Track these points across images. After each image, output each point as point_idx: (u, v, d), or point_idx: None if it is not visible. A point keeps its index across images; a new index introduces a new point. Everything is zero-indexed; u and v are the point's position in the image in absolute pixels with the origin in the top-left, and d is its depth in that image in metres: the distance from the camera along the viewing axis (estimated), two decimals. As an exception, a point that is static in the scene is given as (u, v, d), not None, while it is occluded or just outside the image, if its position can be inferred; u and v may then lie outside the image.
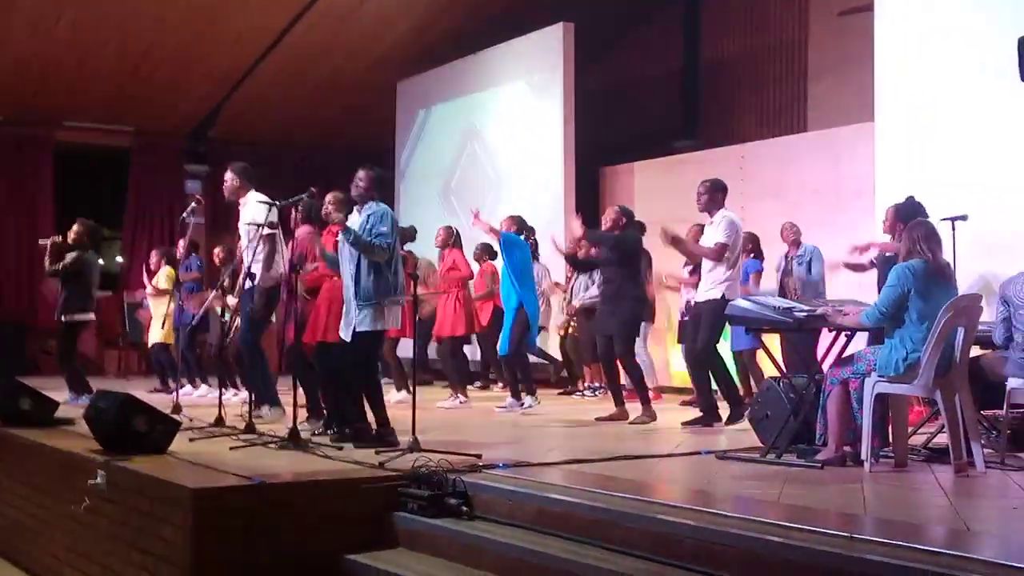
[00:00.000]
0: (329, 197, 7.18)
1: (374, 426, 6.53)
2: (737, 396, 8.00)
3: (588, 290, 10.59)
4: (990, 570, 3.29)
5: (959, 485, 5.20)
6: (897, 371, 5.48)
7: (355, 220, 6.60)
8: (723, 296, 7.59)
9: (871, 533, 3.87)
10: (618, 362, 8.40)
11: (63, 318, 9.54)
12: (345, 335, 6.54)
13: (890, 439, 5.93)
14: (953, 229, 7.46)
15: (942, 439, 5.89)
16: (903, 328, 5.52)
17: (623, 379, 8.70)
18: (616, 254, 8.34)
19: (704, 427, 7.78)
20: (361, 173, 6.62)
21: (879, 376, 5.55)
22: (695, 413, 8.19)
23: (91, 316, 9.73)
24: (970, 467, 5.45)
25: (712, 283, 7.80)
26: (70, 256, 9.58)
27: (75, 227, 9.74)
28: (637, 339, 8.94)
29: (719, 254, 7.77)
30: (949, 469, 5.46)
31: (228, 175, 8.08)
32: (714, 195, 7.90)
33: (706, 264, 7.91)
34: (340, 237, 6.56)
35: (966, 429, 5.52)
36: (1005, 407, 5.86)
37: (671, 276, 10.46)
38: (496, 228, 9.44)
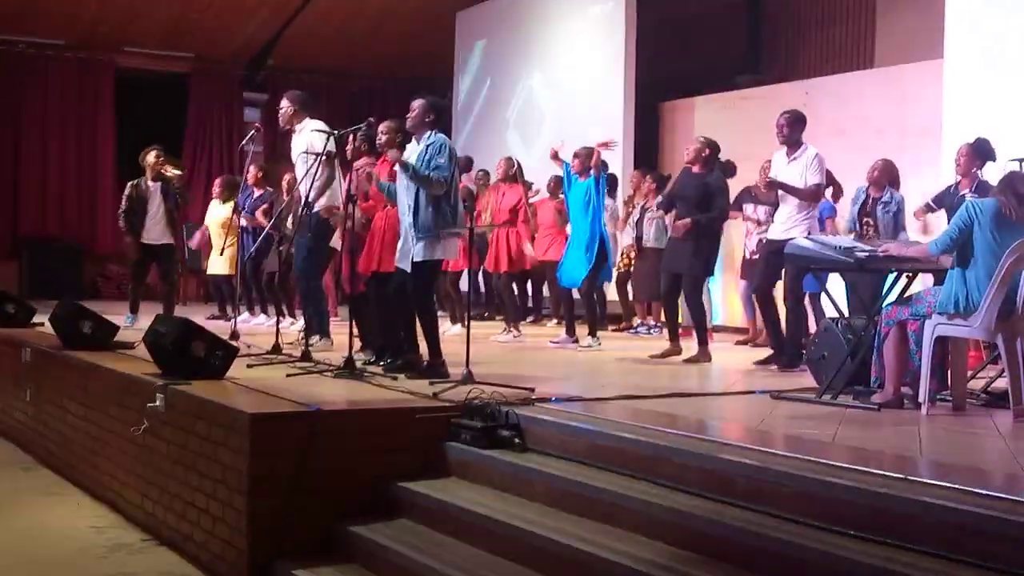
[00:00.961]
0: (382, 127, 7.14)
1: (426, 358, 6.56)
2: (782, 342, 7.79)
3: (652, 228, 10.50)
4: (1049, 516, 3.24)
5: (1018, 430, 5.12)
6: (956, 308, 5.39)
7: (412, 150, 6.57)
8: (808, 235, 7.38)
9: (927, 475, 3.84)
10: (685, 300, 8.28)
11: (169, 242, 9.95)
12: (403, 265, 6.54)
13: (948, 382, 5.85)
14: (1021, 170, 7.28)
15: (1002, 384, 5.80)
16: (968, 267, 5.43)
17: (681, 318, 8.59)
18: (695, 196, 8.08)
19: (774, 367, 7.61)
20: (415, 103, 6.56)
21: (939, 315, 5.46)
22: (751, 353, 8.13)
23: None
24: (1030, 412, 5.37)
25: (794, 221, 7.56)
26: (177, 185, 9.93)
27: (158, 155, 9.89)
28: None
29: (818, 195, 7.64)
30: (1008, 414, 5.38)
31: (283, 103, 8.10)
32: (796, 127, 7.65)
33: (786, 201, 7.68)
34: (398, 169, 6.55)
35: (1028, 374, 5.43)
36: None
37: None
38: (601, 160, 8.99)
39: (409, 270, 6.47)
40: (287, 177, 10.50)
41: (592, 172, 8.89)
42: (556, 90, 13.79)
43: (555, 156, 9.21)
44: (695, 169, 8.16)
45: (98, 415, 6.80)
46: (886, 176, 8.13)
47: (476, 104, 15.45)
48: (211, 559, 5.18)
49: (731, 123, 11.65)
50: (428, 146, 6.43)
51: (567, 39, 13.80)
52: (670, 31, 14.35)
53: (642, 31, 12.86)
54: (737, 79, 13.26)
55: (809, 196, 7.60)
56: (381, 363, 6.89)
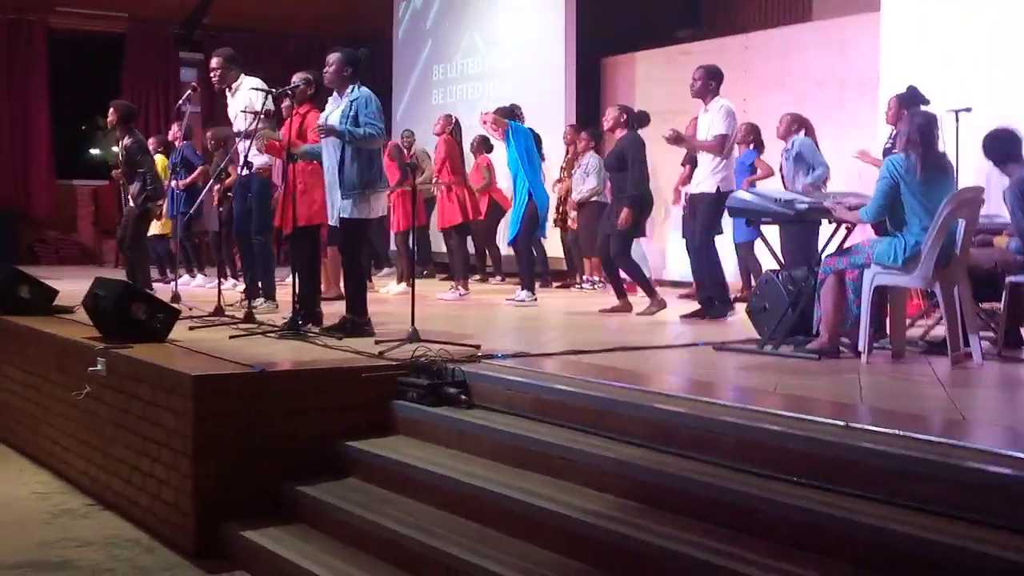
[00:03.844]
0: (295, 80, 7.11)
1: (351, 315, 6.48)
2: (725, 293, 7.91)
3: (585, 183, 10.55)
4: (984, 458, 3.31)
5: (956, 376, 5.21)
6: (896, 262, 5.46)
7: (334, 105, 6.45)
8: (718, 189, 7.57)
9: (867, 422, 3.89)
10: (615, 260, 8.34)
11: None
12: (332, 220, 6.51)
13: (887, 330, 5.94)
14: (957, 121, 7.38)
15: (940, 331, 5.90)
16: (904, 225, 5.50)
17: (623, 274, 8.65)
18: (615, 161, 8.25)
19: (702, 320, 7.74)
20: (330, 58, 6.44)
21: (878, 266, 5.53)
22: (693, 306, 8.20)
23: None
24: (967, 359, 5.46)
25: (707, 175, 7.76)
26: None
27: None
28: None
29: (721, 146, 7.69)
30: (946, 361, 5.48)
31: (214, 61, 7.92)
32: (707, 82, 7.78)
33: (702, 154, 7.82)
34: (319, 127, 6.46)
35: (964, 321, 5.53)
36: (1004, 300, 5.85)
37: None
38: (502, 120, 9.21)
39: (338, 226, 6.44)
40: (209, 133, 10.46)
41: (497, 136, 9.29)
42: (497, 47, 13.71)
43: (485, 122, 9.36)
44: (616, 136, 8.34)
45: (39, 381, 6.72)
46: (792, 126, 8.31)
47: (415, 60, 15.32)
48: (157, 523, 5.15)
49: (671, 77, 11.65)
50: (352, 101, 6.33)
51: (508, -5, 13.72)
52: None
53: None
54: (677, 33, 13.28)
55: (712, 147, 7.71)
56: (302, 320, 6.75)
